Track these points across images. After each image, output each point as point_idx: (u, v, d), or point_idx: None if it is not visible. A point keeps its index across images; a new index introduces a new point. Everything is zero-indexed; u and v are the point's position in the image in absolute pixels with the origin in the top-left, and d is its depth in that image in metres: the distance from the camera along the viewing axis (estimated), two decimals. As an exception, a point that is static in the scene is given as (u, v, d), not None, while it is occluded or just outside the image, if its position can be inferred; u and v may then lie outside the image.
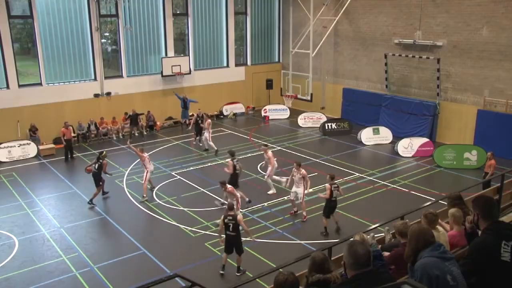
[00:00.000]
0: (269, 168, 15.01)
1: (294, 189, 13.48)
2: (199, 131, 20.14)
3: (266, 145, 16.11)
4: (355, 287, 3.64)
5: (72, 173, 17.53)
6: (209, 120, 19.87)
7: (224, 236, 10.55)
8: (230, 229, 10.35)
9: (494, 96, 18.70)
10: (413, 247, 4.17)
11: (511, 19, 17.75)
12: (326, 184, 12.30)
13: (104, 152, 15.31)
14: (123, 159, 18.75)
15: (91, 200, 14.52)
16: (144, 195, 14.72)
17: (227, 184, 12.60)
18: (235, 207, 11.02)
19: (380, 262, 5.36)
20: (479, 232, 4.74)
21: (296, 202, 13.52)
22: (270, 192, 15.08)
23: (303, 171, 13.29)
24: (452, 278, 3.89)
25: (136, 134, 22.11)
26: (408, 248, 4.29)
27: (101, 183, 14.69)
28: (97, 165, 14.52)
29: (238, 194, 12.68)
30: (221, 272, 10.60)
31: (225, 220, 10.36)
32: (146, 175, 14.93)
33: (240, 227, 10.43)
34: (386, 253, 5.91)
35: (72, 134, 19.66)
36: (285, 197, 14.77)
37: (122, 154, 19.47)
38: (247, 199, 14.21)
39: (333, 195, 12.19)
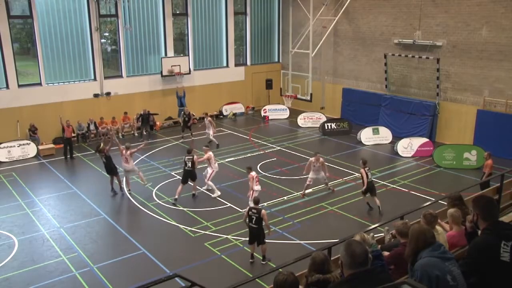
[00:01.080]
0: (209, 171, 15.11)
1: (313, 175, 14.65)
2: (186, 128, 21.55)
3: (207, 146, 16.23)
4: (351, 286, 3.63)
5: (72, 173, 17.53)
6: (210, 118, 20.60)
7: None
8: (253, 222, 10.86)
9: (493, 96, 18.71)
10: (413, 247, 4.17)
11: (511, 19, 17.76)
12: (361, 170, 13.74)
13: (101, 145, 15.66)
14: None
15: (113, 189, 15.35)
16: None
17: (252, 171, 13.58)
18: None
19: (380, 262, 5.36)
20: (479, 232, 4.74)
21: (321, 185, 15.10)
22: (214, 195, 15.00)
23: (321, 159, 14.77)
24: (452, 278, 3.89)
25: (144, 133, 22.15)
26: (408, 247, 4.29)
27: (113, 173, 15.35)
28: (103, 157, 15.12)
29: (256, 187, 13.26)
30: (250, 260, 11.12)
31: (249, 213, 10.90)
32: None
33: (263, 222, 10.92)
34: (385, 253, 5.92)
35: (73, 134, 19.69)
36: (285, 197, 14.79)
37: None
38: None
39: (369, 177, 13.58)
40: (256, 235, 10.97)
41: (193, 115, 22.55)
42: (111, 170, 15.32)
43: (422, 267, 3.94)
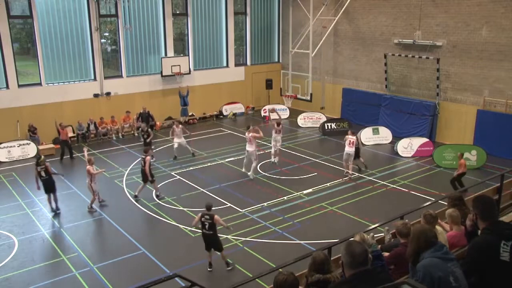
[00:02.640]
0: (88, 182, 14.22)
1: (348, 150, 16.32)
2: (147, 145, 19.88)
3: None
4: (352, 286, 3.64)
5: (71, 173, 17.51)
6: (181, 126, 19.10)
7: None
8: (207, 228, 10.56)
9: (493, 96, 18.71)
10: (415, 247, 4.18)
11: (511, 19, 17.76)
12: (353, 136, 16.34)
13: (42, 157, 14.19)
14: (122, 159, 18.75)
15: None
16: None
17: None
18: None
19: (380, 262, 5.36)
20: (479, 232, 4.74)
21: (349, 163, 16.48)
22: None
23: (355, 136, 16.54)
24: (454, 279, 3.90)
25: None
26: (409, 247, 4.30)
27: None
28: (43, 171, 13.75)
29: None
30: (209, 269, 10.74)
31: (202, 219, 10.57)
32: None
33: (218, 226, 10.66)
34: (385, 253, 5.92)
35: (70, 135, 19.67)
36: (285, 197, 14.79)
37: (122, 154, 19.47)
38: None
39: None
40: (212, 242, 10.66)
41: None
42: (51, 188, 13.87)
43: (425, 268, 3.95)
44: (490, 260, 4.21)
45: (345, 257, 3.74)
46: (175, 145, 18.61)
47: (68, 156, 18.86)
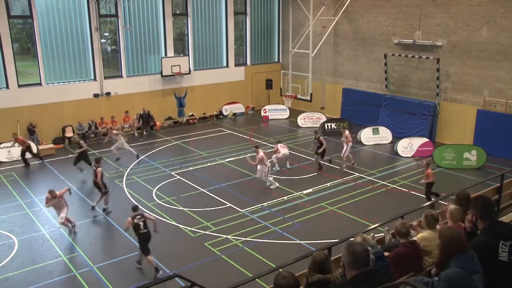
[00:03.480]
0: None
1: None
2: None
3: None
4: (355, 287, 3.64)
5: (72, 173, 17.48)
6: (115, 131, 19.39)
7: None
8: (142, 227, 10.56)
9: (493, 96, 18.72)
10: (446, 255, 4.05)
11: (511, 19, 17.76)
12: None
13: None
14: (122, 159, 18.73)
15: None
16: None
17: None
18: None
19: (383, 263, 5.35)
20: (478, 232, 4.75)
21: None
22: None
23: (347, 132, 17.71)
24: None
25: (144, 133, 22.18)
26: (440, 254, 4.19)
27: None
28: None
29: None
30: (159, 274, 10.38)
31: (135, 221, 10.52)
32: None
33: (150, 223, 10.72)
34: (385, 254, 5.91)
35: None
36: (285, 197, 14.79)
37: (121, 154, 19.45)
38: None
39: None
40: (149, 240, 10.63)
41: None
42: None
43: (448, 278, 3.85)
44: (488, 260, 4.21)
45: (346, 257, 3.72)
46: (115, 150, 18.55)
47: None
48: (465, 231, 5.36)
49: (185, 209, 14.13)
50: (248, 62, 27.44)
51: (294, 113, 25.03)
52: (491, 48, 18.46)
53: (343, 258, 3.77)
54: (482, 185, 11.05)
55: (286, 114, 25.63)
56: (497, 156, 17.76)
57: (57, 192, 12.49)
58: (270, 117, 25.38)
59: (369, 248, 4.67)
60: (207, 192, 15.30)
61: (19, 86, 20.12)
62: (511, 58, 17.96)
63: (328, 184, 15.86)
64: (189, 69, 24.47)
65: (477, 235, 4.83)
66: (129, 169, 17.61)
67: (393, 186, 15.79)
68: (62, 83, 21.31)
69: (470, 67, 19.27)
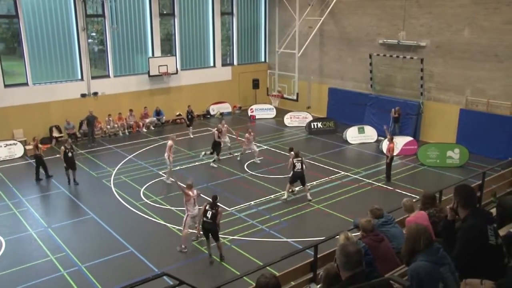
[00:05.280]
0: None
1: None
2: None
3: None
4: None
5: (59, 173, 17.44)
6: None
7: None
8: (207, 216, 11.02)
9: (475, 96, 19.09)
10: (410, 248, 4.14)
11: (492, 21, 18.13)
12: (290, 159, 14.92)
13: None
14: (110, 158, 18.76)
15: None
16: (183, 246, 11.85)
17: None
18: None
19: (369, 257, 5.48)
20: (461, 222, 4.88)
21: None
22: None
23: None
24: (444, 285, 3.90)
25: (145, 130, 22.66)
26: (404, 247, 4.27)
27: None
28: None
29: None
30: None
31: (206, 207, 11.10)
32: (186, 219, 11.91)
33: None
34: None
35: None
36: (272, 196, 14.96)
37: (109, 154, 19.48)
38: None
39: (296, 167, 14.53)
40: (209, 230, 11.10)
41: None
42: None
43: (415, 272, 3.94)
44: (480, 244, 4.35)
45: (340, 258, 3.80)
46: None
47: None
48: (446, 220, 5.50)
49: (172, 208, 14.23)
50: (235, 62, 27.56)
51: (281, 112, 25.21)
52: (473, 48, 18.82)
53: (337, 259, 3.86)
54: (464, 182, 11.33)
55: (273, 114, 25.81)
56: (479, 154, 18.11)
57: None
58: (257, 117, 25.54)
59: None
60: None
61: (5, 86, 19.98)
62: (492, 58, 18.33)
63: (314, 182, 16.06)
64: (176, 69, 24.51)
65: (455, 223, 4.98)
66: (116, 168, 17.64)
67: (378, 184, 16.05)
68: (49, 83, 21.22)
69: (453, 67, 19.62)
